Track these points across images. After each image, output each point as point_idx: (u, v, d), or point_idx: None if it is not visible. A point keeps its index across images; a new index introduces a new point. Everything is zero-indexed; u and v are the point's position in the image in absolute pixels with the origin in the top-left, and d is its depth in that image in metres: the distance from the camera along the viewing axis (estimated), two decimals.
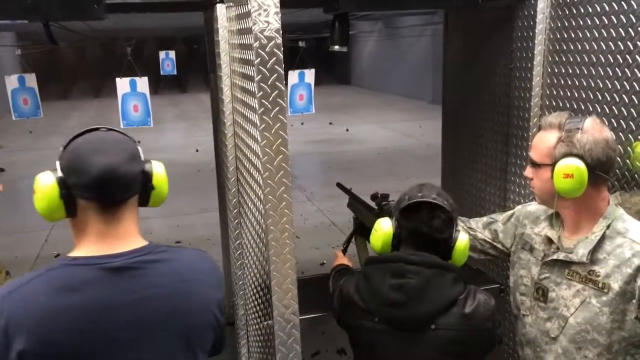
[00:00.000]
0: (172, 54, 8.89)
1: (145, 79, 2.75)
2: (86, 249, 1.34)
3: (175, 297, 1.36)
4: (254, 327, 2.21)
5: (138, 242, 1.38)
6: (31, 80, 3.06)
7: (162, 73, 8.87)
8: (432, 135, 10.31)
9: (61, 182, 1.32)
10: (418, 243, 1.80)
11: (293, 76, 2.74)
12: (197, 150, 10.85)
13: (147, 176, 1.39)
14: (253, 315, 2.20)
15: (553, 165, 1.69)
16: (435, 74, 15.58)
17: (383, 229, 1.86)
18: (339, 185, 2.79)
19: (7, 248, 5.88)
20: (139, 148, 1.40)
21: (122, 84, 2.73)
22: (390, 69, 21.37)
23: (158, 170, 1.42)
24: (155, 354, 1.34)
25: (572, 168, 1.65)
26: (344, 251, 2.46)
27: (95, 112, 18.08)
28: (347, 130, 13.64)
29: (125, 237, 1.36)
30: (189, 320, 1.38)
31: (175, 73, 9.09)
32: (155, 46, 14.85)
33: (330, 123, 14.34)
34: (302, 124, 12.36)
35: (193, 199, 7.54)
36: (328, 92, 20.16)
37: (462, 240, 1.83)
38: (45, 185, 1.32)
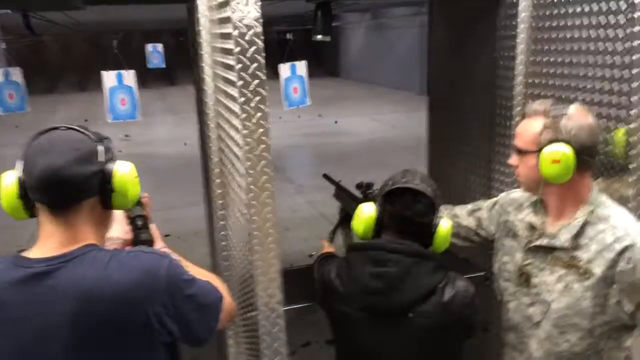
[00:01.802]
0: (159, 46, 8.81)
1: (132, 72, 2.71)
2: (35, 249, 1.32)
3: (74, 310, 1.25)
4: (240, 317, 2.20)
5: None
6: (16, 74, 3.02)
7: (149, 66, 8.79)
8: (420, 126, 10.32)
9: (20, 183, 1.30)
10: (400, 228, 1.80)
11: (285, 69, 2.69)
12: (185, 144, 10.79)
13: (105, 178, 1.31)
14: (239, 307, 2.20)
15: (539, 151, 1.70)
16: (423, 65, 15.62)
17: (364, 213, 1.86)
18: (325, 176, 2.79)
19: None
20: (100, 148, 1.31)
21: (109, 77, 2.69)
22: (379, 60, 21.35)
23: (121, 171, 1.33)
24: None
25: (559, 154, 1.65)
26: (331, 241, 2.46)
27: (82, 106, 17.92)
28: (336, 122, 13.63)
29: (72, 243, 1.31)
30: (91, 334, 1.27)
31: (164, 66, 9.00)
32: (143, 39, 14.73)
33: (320, 115, 14.32)
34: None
35: (182, 192, 7.50)
36: (317, 84, 19.95)
37: (443, 226, 1.83)
38: (6, 185, 1.32)
